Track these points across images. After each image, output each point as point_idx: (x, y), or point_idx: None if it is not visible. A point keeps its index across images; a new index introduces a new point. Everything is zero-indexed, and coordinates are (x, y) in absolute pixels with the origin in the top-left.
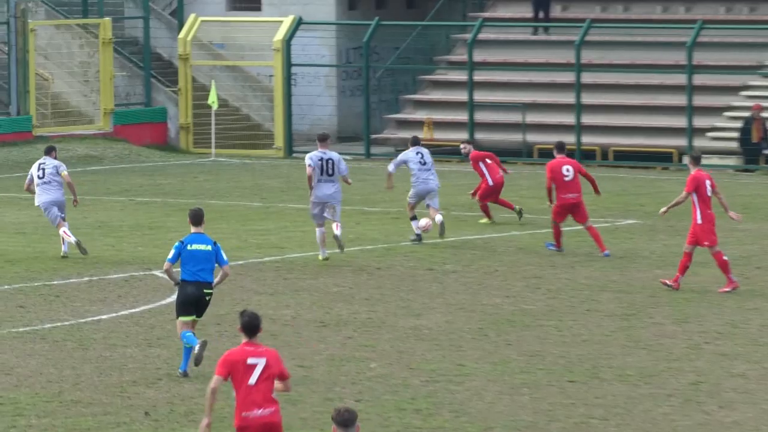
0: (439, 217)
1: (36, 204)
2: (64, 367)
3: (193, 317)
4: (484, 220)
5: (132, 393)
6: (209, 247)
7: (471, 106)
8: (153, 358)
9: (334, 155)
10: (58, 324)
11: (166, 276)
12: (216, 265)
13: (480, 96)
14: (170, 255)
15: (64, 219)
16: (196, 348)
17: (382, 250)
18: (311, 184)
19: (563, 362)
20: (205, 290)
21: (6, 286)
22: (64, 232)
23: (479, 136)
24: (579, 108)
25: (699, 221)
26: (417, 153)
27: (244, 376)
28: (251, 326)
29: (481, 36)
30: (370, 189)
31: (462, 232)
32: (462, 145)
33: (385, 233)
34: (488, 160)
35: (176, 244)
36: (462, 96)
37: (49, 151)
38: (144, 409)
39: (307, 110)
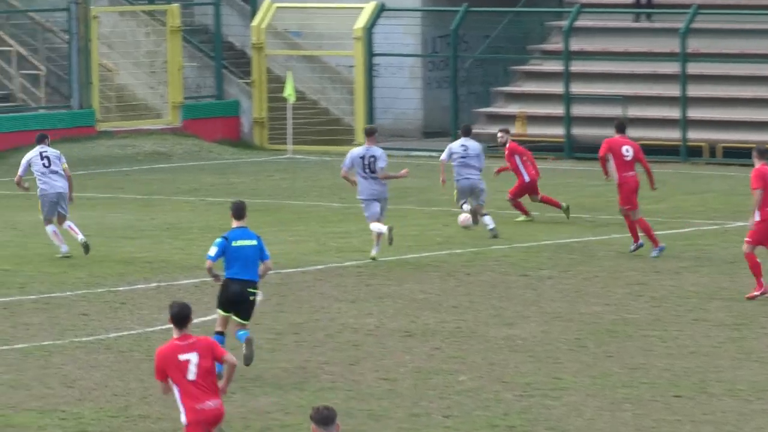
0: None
1: (42, 193)
2: (131, 380)
3: (232, 315)
4: (522, 218)
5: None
6: (254, 242)
7: (567, 98)
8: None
9: (378, 151)
10: (124, 333)
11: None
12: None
13: (577, 88)
14: (212, 252)
15: (66, 214)
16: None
17: (471, 255)
18: (350, 181)
19: (668, 375)
20: (249, 289)
21: (68, 293)
22: (71, 227)
23: (576, 130)
24: (684, 101)
25: (758, 218)
26: (462, 146)
27: (179, 373)
28: (181, 317)
29: (578, 23)
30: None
31: (558, 235)
32: (499, 134)
33: (475, 236)
34: (524, 157)
35: (218, 240)
36: (557, 88)
37: (42, 139)
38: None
39: (389, 103)
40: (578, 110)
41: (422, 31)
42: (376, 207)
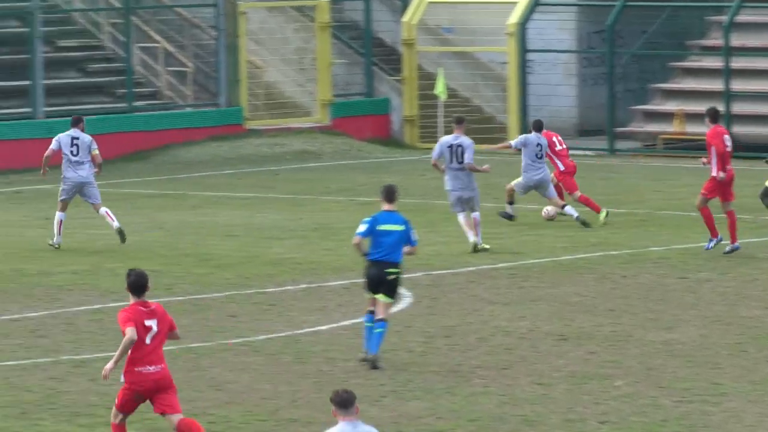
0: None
1: (65, 180)
2: (280, 383)
3: (379, 295)
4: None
5: None
6: (401, 227)
7: (727, 96)
8: (376, 374)
9: (466, 141)
10: (273, 335)
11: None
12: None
13: (738, 85)
14: (361, 229)
15: (96, 202)
16: (366, 354)
17: (627, 256)
18: (439, 169)
19: None
20: (386, 270)
21: (216, 294)
22: (107, 213)
23: (736, 129)
24: None
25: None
26: (537, 144)
27: (141, 335)
28: (138, 285)
29: (740, 18)
30: (615, 188)
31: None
32: None
33: (631, 237)
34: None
35: (368, 219)
36: (717, 85)
37: (77, 123)
38: None
39: (544, 101)
40: (739, 108)
41: (577, 27)
42: (462, 199)
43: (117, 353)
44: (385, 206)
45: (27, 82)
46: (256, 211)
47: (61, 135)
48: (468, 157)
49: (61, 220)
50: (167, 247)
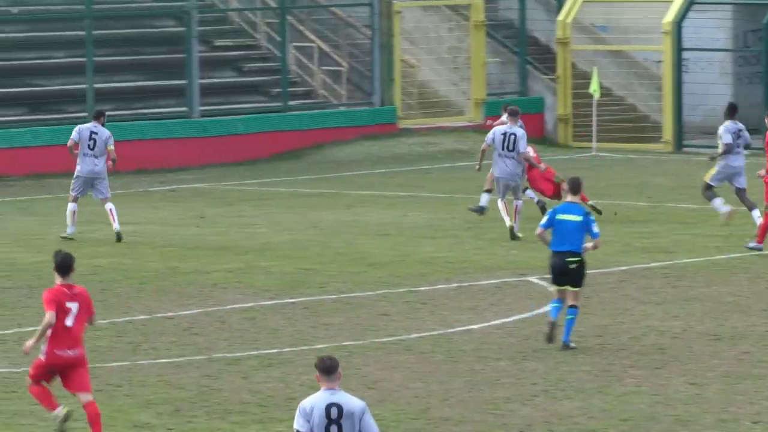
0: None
1: (78, 173)
2: (432, 382)
3: (566, 286)
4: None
5: (506, 410)
6: (579, 218)
7: None
8: (528, 373)
9: (519, 131)
10: (425, 334)
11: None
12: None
13: None
14: (543, 221)
15: (106, 197)
16: (550, 326)
17: None
18: (480, 159)
19: None
20: (567, 259)
21: (369, 292)
22: (111, 211)
23: None
24: None
25: None
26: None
27: (61, 317)
28: (64, 266)
29: None
30: None
31: None
32: None
33: None
34: None
35: (549, 211)
36: None
37: (98, 116)
38: (519, 428)
39: (699, 100)
40: None
41: (733, 25)
42: (508, 186)
43: (37, 333)
44: (569, 197)
45: (183, 82)
46: (408, 210)
47: (81, 126)
48: (521, 147)
49: (74, 211)
50: (321, 245)
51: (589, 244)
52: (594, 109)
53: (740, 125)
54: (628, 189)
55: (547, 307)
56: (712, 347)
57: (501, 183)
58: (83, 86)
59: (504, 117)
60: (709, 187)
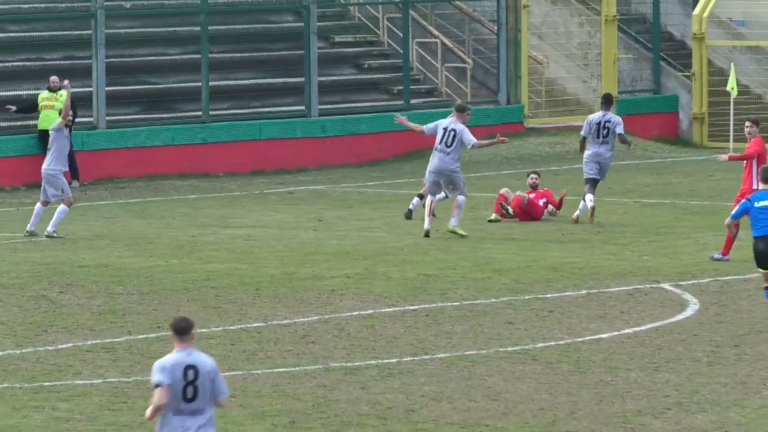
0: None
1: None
2: (559, 393)
3: None
4: None
5: (636, 424)
6: None
7: None
8: (661, 384)
9: (615, 118)
10: (552, 343)
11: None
12: None
13: None
14: (734, 211)
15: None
16: None
17: None
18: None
19: None
20: None
21: (493, 299)
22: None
23: None
24: None
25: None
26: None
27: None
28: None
29: None
30: None
31: None
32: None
33: None
34: None
35: (742, 201)
36: None
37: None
38: None
39: None
40: None
41: None
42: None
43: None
44: (762, 186)
45: (301, 79)
46: None
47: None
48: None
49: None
50: (443, 250)
51: None
52: (731, 107)
53: (609, 116)
54: None
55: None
56: None
57: (433, 178)
58: (198, 84)
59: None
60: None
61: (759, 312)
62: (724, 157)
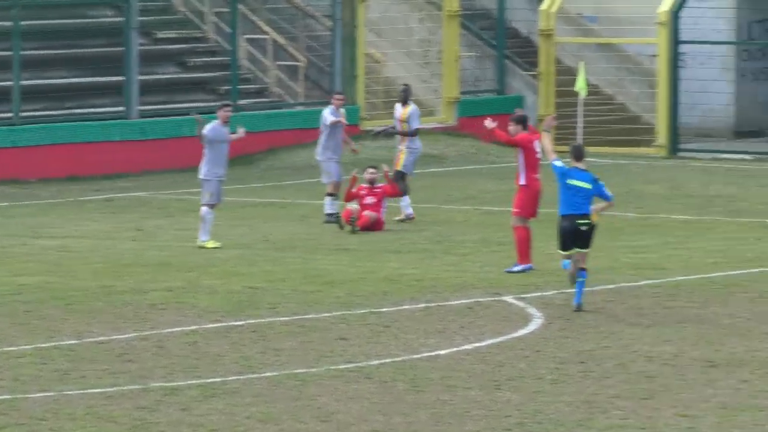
0: None
1: None
2: (394, 413)
3: (574, 250)
4: None
5: None
6: (589, 186)
7: None
8: (502, 404)
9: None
10: (387, 360)
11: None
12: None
13: None
14: (558, 164)
15: None
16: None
17: None
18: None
19: None
20: (578, 221)
21: (325, 314)
22: None
23: None
24: None
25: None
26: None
27: None
28: None
29: None
30: None
31: None
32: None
33: None
34: None
35: (561, 164)
36: None
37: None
38: None
39: (697, 98)
40: None
41: (737, 15)
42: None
43: None
44: (574, 163)
45: (121, 78)
46: None
47: None
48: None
49: None
50: (272, 261)
51: (602, 204)
52: (580, 108)
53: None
54: (617, 198)
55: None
56: (707, 375)
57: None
58: (9, 83)
59: None
60: (402, 177)
61: (605, 327)
62: (491, 124)
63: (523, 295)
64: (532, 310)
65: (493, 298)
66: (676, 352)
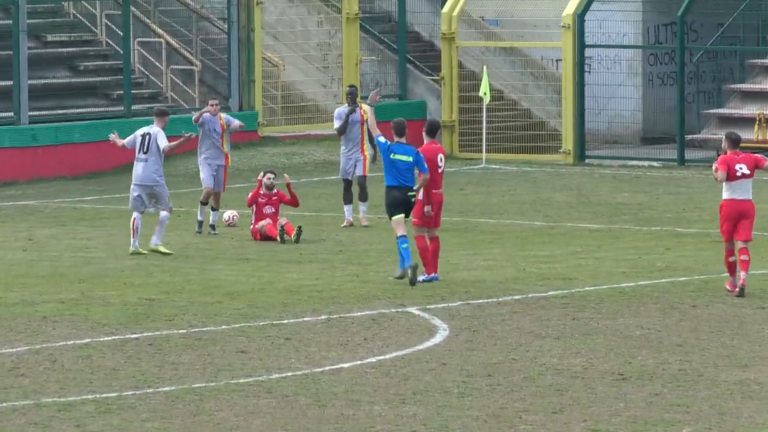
0: None
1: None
2: (296, 429)
3: (403, 215)
4: None
5: None
6: (410, 158)
7: None
8: (407, 418)
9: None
10: (289, 374)
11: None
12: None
13: None
14: (382, 140)
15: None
16: (409, 271)
17: (698, 283)
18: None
19: None
20: (408, 194)
21: (224, 326)
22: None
23: None
24: None
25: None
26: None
27: None
28: None
29: None
30: (685, 204)
31: None
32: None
33: (703, 261)
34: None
35: (384, 140)
36: None
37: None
38: None
39: (603, 104)
40: None
41: (643, 18)
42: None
43: None
44: (396, 139)
45: (9, 83)
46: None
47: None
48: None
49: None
50: (169, 272)
51: (418, 184)
52: (484, 114)
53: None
54: (523, 206)
55: (435, 339)
56: (618, 388)
57: (137, 192)
58: None
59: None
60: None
61: (513, 338)
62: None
63: (428, 306)
64: (437, 322)
65: (397, 310)
66: (585, 364)
